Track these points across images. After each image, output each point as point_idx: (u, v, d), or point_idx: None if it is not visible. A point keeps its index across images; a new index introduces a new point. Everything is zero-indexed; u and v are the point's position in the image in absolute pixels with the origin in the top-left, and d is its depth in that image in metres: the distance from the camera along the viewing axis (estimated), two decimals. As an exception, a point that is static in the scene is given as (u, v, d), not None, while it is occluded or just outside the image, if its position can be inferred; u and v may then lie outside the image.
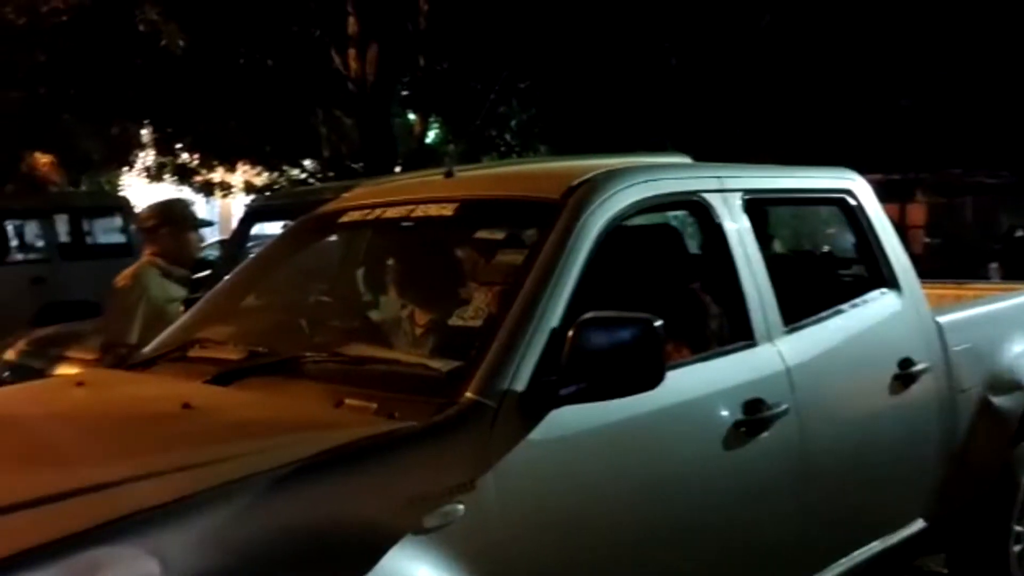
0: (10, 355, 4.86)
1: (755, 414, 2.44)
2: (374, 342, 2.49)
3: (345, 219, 2.94)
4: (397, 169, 9.87)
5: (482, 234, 2.61)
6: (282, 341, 2.65)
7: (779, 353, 2.59)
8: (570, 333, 2.04)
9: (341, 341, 2.52)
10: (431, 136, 15.31)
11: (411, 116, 14.29)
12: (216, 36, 8.17)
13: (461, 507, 1.88)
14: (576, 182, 2.41)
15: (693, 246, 3.29)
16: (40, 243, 10.95)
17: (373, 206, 2.86)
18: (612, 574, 2.17)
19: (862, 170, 3.25)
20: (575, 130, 12.11)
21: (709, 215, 2.66)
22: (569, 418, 2.08)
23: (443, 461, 1.93)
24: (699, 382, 2.40)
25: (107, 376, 2.77)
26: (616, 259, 2.66)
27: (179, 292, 3.87)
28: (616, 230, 2.42)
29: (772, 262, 2.76)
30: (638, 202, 2.45)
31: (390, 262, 2.97)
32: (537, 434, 2.04)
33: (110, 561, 1.49)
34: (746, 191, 2.79)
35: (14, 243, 10.64)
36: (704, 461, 2.39)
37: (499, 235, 2.57)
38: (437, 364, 2.21)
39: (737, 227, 2.68)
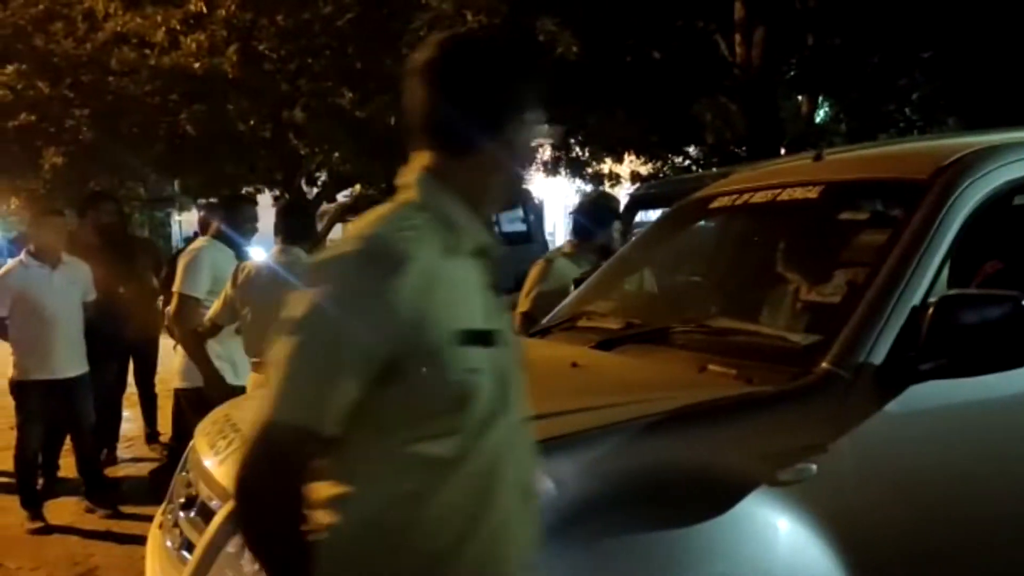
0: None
1: None
2: (738, 316, 2.70)
3: (715, 204, 3.17)
4: (782, 152, 9.76)
5: (846, 215, 2.69)
6: (656, 314, 2.97)
7: None
8: (931, 310, 2.10)
9: (708, 315, 2.77)
10: (820, 116, 14.78)
11: (799, 97, 13.92)
12: (606, 37, 8.75)
13: (814, 467, 2.04)
14: (946, 162, 2.41)
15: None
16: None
17: (741, 191, 3.07)
18: (963, 554, 2.18)
19: None
20: (989, 100, 10.90)
21: None
22: (930, 393, 2.13)
23: (797, 423, 2.11)
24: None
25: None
26: (995, 239, 2.61)
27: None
28: (997, 208, 2.38)
29: None
30: (1014, 181, 2.38)
31: (757, 244, 3.14)
32: (895, 406, 2.12)
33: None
34: None
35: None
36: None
37: (863, 216, 2.63)
38: (795, 337, 2.37)
39: None
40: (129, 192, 11.47)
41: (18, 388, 5.03)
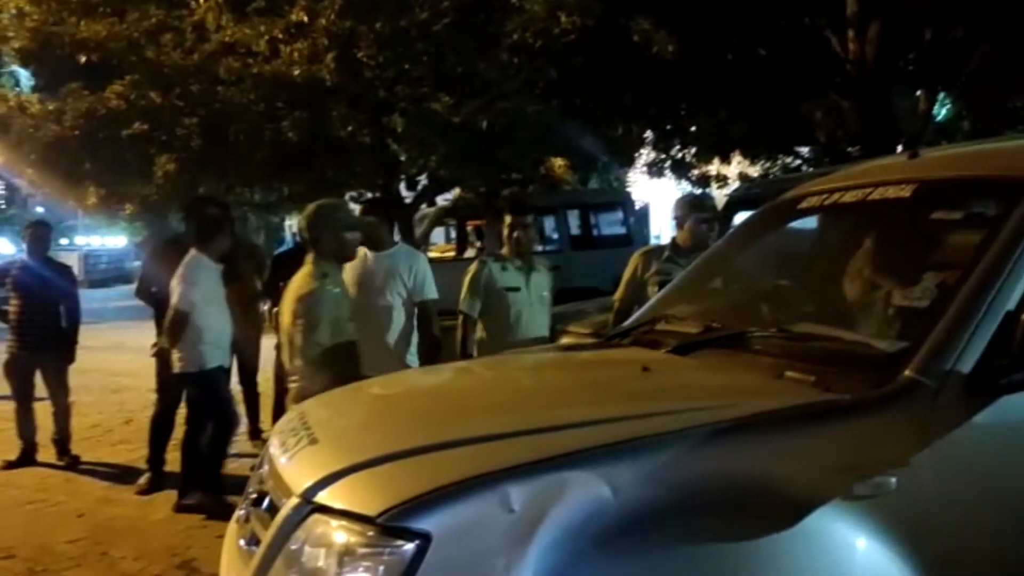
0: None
1: None
2: (821, 321, 2.59)
3: (804, 205, 3.05)
4: (898, 150, 9.36)
5: (939, 215, 2.54)
6: (737, 318, 2.87)
7: None
8: (1025, 316, 1.96)
9: (791, 319, 2.66)
10: (941, 113, 14.12)
11: (917, 94, 13.33)
12: (705, 36, 8.58)
13: (894, 480, 1.93)
14: (1046, 158, 2.26)
15: None
16: (556, 235, 12.48)
17: (832, 191, 2.94)
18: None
19: None
20: None
21: None
22: (1023, 404, 1.99)
23: (876, 435, 1.99)
24: None
25: (591, 343, 3.25)
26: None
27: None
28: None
29: None
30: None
31: (846, 246, 3.01)
32: (984, 418, 1.99)
33: (573, 482, 1.83)
34: None
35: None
36: None
37: (957, 215, 2.48)
38: (879, 343, 2.25)
39: None
40: (239, 197, 11.90)
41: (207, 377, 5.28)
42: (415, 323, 4.72)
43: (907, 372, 2.03)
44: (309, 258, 3.97)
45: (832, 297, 2.82)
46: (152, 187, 8.98)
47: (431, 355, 4.68)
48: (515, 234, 4.90)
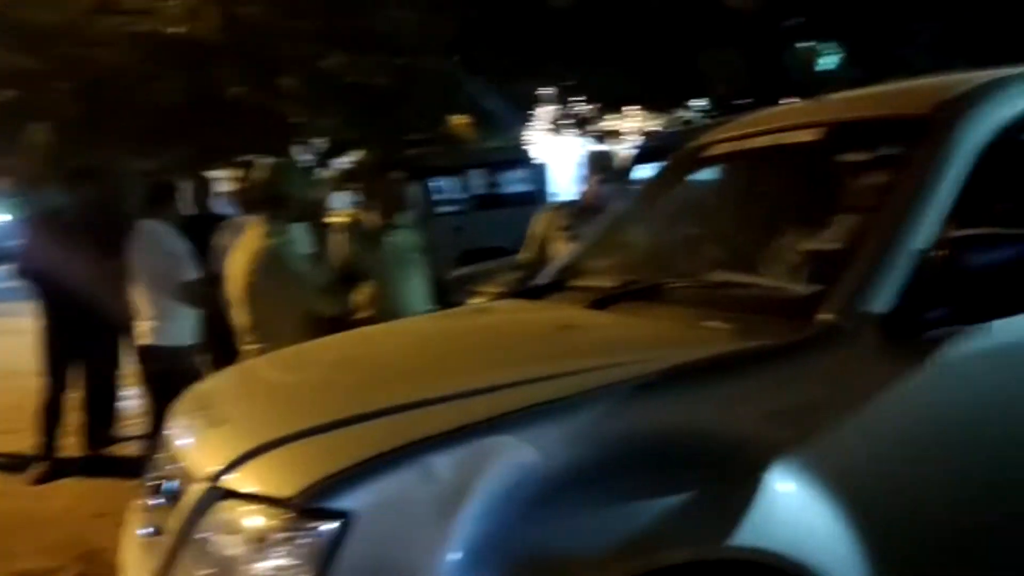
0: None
1: None
2: (737, 269, 2.57)
3: (711, 153, 3.04)
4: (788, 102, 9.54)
5: (847, 157, 2.55)
6: (654, 271, 2.84)
7: None
8: (939, 253, 1.97)
9: (706, 268, 2.65)
10: (828, 63, 14.48)
11: (804, 45, 13.62)
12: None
13: (816, 423, 1.92)
14: (948, 96, 2.27)
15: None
16: (458, 196, 12.35)
17: (739, 137, 2.93)
18: (971, 511, 2.06)
19: None
20: (1004, 44, 10.61)
21: None
22: (940, 341, 2.00)
23: (797, 378, 1.98)
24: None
25: (504, 304, 3.17)
26: (1008, 176, 2.46)
27: None
28: (1006, 145, 2.23)
29: None
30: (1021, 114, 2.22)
31: (755, 191, 3.01)
32: (901, 357, 2.00)
33: (499, 448, 1.76)
34: None
35: (438, 197, 12.12)
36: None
37: (865, 157, 2.49)
38: (795, 287, 2.25)
39: None
40: (127, 167, 11.32)
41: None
42: None
43: (824, 315, 2.03)
44: (258, 220, 3.81)
45: (746, 244, 2.81)
46: (25, 159, 8.41)
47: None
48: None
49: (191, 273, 4.75)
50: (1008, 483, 2.08)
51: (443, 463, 1.72)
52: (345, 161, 13.30)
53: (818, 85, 12.21)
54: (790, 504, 1.87)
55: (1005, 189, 2.48)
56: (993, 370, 2.06)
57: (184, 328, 4.83)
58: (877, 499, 1.93)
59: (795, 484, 1.87)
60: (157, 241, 4.80)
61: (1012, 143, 2.30)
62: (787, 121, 2.76)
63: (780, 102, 9.58)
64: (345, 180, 13.13)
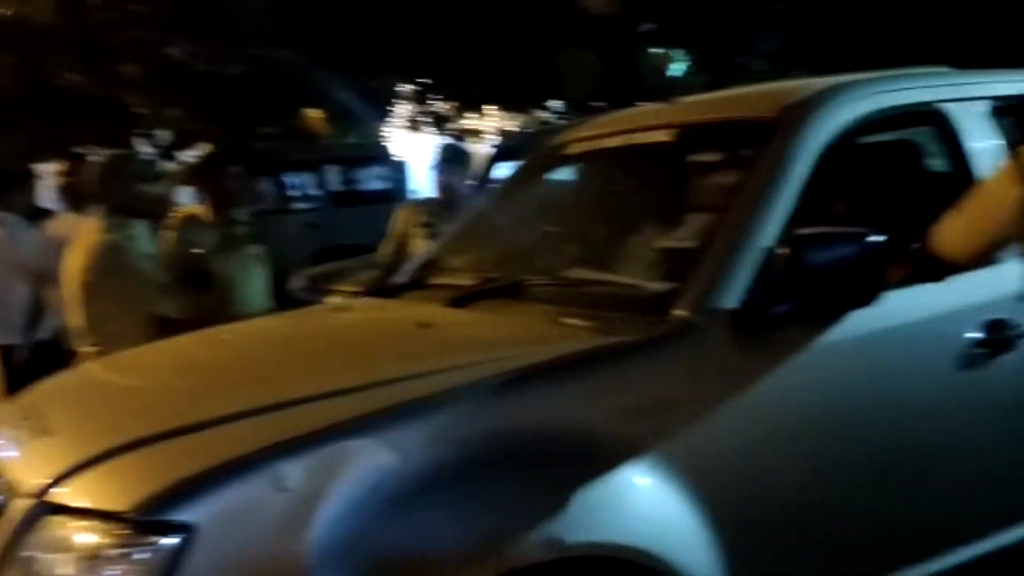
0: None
1: (998, 334, 2.30)
2: (595, 266, 2.60)
3: (569, 151, 3.06)
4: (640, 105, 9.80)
5: (699, 157, 2.62)
6: (513, 268, 2.83)
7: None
8: (784, 250, 2.03)
9: (565, 266, 2.66)
10: (678, 69, 15.01)
11: (656, 50, 14.06)
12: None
13: (671, 418, 1.95)
14: (793, 100, 2.36)
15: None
16: (314, 192, 12.04)
17: (595, 137, 2.96)
18: (821, 495, 2.14)
19: None
20: (837, 53, 11.29)
21: (948, 128, 2.49)
22: (786, 336, 2.08)
23: (653, 375, 2.01)
24: (932, 302, 2.29)
25: (362, 303, 3.09)
26: (847, 177, 2.59)
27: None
28: (842, 147, 2.34)
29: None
30: (861, 117, 2.34)
31: (611, 190, 3.05)
32: (750, 351, 2.05)
33: (356, 451, 1.71)
34: (995, 99, 2.57)
35: (292, 193, 11.77)
36: (937, 382, 2.29)
37: (716, 157, 2.57)
38: (651, 284, 2.28)
39: (980, 140, 2.49)
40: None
41: None
42: None
43: (678, 312, 2.06)
44: (95, 215, 3.58)
45: (603, 242, 2.85)
46: None
47: None
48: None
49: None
50: (853, 474, 2.18)
51: (294, 470, 1.64)
52: (192, 155, 12.76)
53: (670, 89, 12.66)
54: (648, 500, 1.90)
55: (843, 189, 2.62)
56: (836, 364, 2.14)
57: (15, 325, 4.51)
58: (730, 493, 1.98)
59: (653, 480, 1.90)
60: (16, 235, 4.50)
61: (850, 145, 2.43)
62: (643, 122, 2.81)
63: (635, 105, 9.83)
64: (186, 175, 12.54)
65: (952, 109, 2.48)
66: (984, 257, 2.14)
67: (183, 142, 11.11)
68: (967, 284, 2.27)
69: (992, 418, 2.34)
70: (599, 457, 1.87)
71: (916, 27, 10.36)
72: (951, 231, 2.12)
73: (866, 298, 2.04)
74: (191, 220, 4.27)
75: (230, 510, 1.60)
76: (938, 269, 2.17)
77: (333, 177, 12.18)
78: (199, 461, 1.65)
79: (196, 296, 4.04)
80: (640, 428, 1.92)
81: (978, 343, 2.30)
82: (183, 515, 1.57)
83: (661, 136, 2.66)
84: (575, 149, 3.02)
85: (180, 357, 2.62)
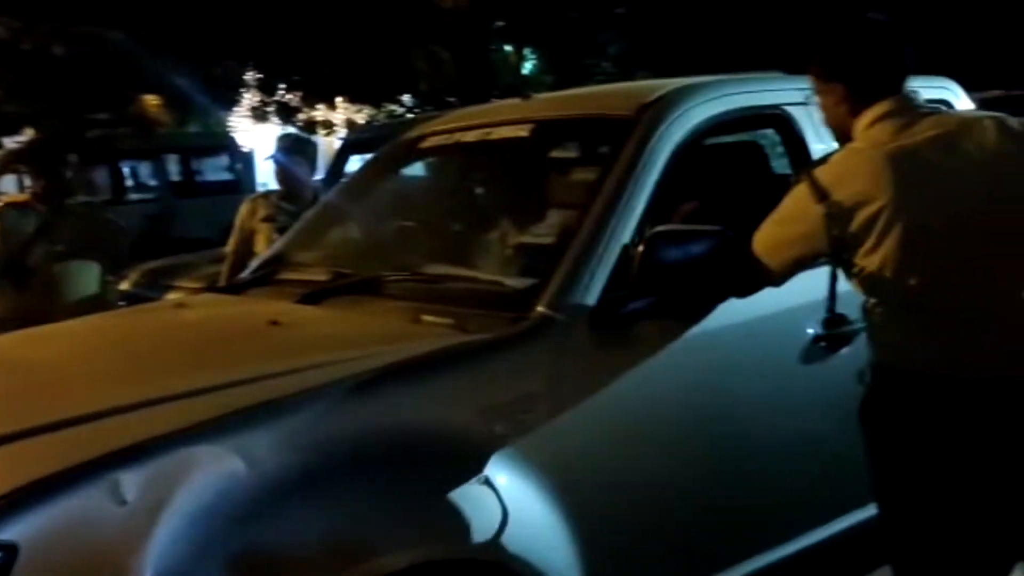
0: (125, 286, 5.16)
1: (836, 329, 2.40)
2: (454, 262, 2.55)
3: (425, 144, 3.00)
4: (492, 101, 9.83)
5: (557, 153, 2.62)
6: (368, 263, 2.74)
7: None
8: (640, 248, 2.05)
9: (422, 262, 2.59)
10: (528, 68, 15.19)
11: (508, 48, 14.18)
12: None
13: (532, 416, 1.93)
14: (650, 99, 2.39)
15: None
16: (153, 182, 11.46)
17: (452, 131, 2.91)
18: (678, 488, 2.18)
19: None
20: (677, 56, 11.73)
21: (793, 130, 2.59)
22: (642, 332, 2.10)
23: (514, 372, 1.98)
24: (777, 298, 2.37)
25: (205, 299, 2.92)
26: (696, 176, 2.64)
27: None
28: (694, 147, 2.39)
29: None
30: (714, 117, 2.40)
31: (469, 184, 3.02)
32: (608, 348, 2.07)
33: (201, 458, 1.60)
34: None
35: (130, 183, 11.16)
36: (783, 377, 2.37)
37: (574, 154, 2.58)
38: (511, 281, 2.26)
39: (824, 142, 2.60)
40: None
41: None
42: None
43: (538, 308, 2.05)
44: None
45: (461, 238, 2.81)
46: None
47: None
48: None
49: None
50: (706, 469, 2.22)
51: (132, 480, 1.52)
52: (16, 140, 11.85)
53: (523, 86, 12.80)
54: (508, 500, 1.86)
55: (693, 189, 2.68)
56: (689, 360, 2.18)
57: None
58: (590, 491, 1.98)
59: (513, 479, 1.87)
60: None
61: (700, 145, 2.48)
62: (499, 117, 2.79)
63: (489, 101, 9.86)
64: (11, 161, 11.67)
65: (797, 112, 2.58)
66: (793, 272, 2.04)
67: (7, 125, 10.30)
68: (811, 279, 2.37)
69: (832, 412, 2.44)
70: (459, 458, 1.83)
71: (749, 33, 10.90)
72: (763, 248, 1.99)
73: (719, 294, 2.08)
74: (14, 208, 3.93)
75: (58, 527, 1.46)
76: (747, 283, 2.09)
77: (173, 167, 11.62)
78: (23, 472, 1.50)
79: (18, 293, 3.73)
80: (502, 427, 1.89)
81: (818, 338, 2.39)
82: (3, 533, 1.42)
83: (519, 131, 2.64)
84: (432, 142, 2.96)
85: (5, 358, 2.39)
